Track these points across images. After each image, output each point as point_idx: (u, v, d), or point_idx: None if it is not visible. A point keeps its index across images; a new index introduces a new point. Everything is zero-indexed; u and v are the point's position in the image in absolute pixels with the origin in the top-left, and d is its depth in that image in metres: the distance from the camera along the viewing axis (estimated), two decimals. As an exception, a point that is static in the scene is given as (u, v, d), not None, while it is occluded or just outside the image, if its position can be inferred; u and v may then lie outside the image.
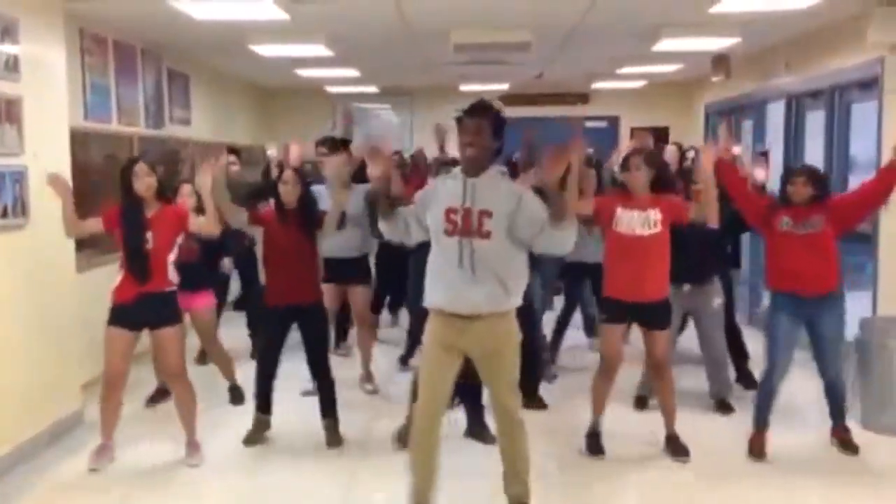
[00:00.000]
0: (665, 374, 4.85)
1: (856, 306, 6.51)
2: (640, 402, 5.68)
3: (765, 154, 7.55)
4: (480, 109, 3.73)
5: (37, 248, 5.00)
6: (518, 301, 3.79)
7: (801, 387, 5.39)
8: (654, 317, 4.73)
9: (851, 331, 5.37)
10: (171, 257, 4.67)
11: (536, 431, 5.25)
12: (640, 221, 4.63)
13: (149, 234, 4.57)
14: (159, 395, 5.86)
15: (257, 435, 5.12)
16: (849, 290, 6.80)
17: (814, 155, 7.33)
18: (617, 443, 4.96)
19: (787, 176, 4.80)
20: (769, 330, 4.85)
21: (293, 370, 5.58)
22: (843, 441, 4.92)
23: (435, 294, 3.77)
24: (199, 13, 5.75)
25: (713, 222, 4.76)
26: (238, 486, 4.59)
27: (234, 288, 7.44)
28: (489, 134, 3.69)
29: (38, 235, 4.99)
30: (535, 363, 5.73)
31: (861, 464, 4.80)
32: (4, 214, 4.71)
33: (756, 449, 4.84)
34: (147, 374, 5.86)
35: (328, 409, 5.15)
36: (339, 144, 6.21)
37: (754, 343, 5.97)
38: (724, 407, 5.64)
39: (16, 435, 4.79)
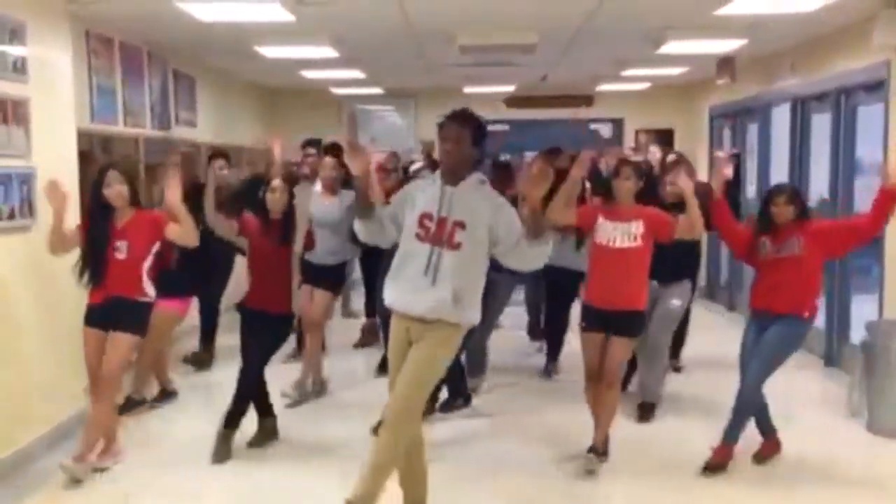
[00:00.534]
0: (614, 386, 4.75)
1: (862, 309, 6.51)
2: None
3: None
4: (462, 118, 3.74)
5: (43, 249, 4.97)
6: (472, 318, 3.74)
7: (803, 388, 5.38)
8: (622, 326, 4.66)
9: (857, 334, 5.36)
10: (146, 265, 4.58)
11: (535, 434, 5.30)
12: (621, 233, 4.63)
13: (122, 244, 4.51)
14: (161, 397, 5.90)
15: (225, 449, 4.97)
16: (855, 293, 6.83)
17: (819, 158, 7.32)
18: (614, 446, 4.93)
19: (769, 197, 4.73)
20: (741, 347, 4.81)
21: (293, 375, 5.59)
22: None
23: (393, 293, 3.78)
24: (206, 15, 5.76)
25: (698, 236, 4.88)
26: (237, 487, 4.60)
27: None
28: (469, 143, 3.70)
29: (45, 236, 4.98)
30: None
31: (867, 467, 4.79)
32: (11, 216, 4.72)
33: (766, 455, 4.83)
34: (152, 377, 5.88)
35: (233, 418, 4.96)
36: (330, 149, 6.18)
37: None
38: (646, 410, 5.57)
39: (19, 437, 4.79)
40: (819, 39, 7.21)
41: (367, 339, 7.64)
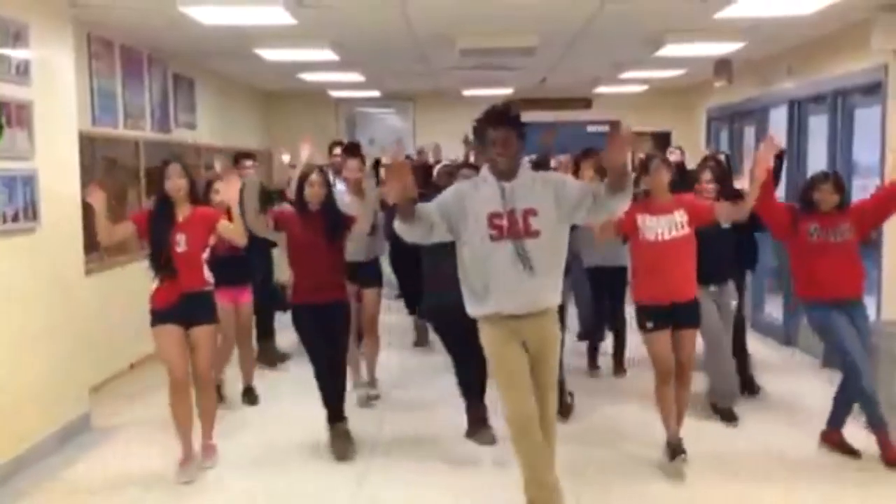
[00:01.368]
0: (687, 376, 4.80)
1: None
2: None
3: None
4: (504, 118, 3.76)
5: (46, 251, 5.02)
6: (558, 299, 3.88)
7: (809, 388, 5.41)
8: (687, 316, 4.72)
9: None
10: (205, 256, 4.71)
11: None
12: (667, 225, 4.66)
13: (181, 237, 4.59)
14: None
15: (344, 445, 4.97)
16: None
17: (817, 160, 7.36)
18: (631, 443, 4.95)
19: (813, 183, 4.85)
20: (830, 334, 4.84)
21: (301, 375, 5.60)
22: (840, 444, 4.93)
23: (491, 300, 3.75)
24: (207, 18, 5.78)
25: (744, 218, 4.91)
26: (250, 489, 4.60)
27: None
28: (515, 140, 3.74)
29: (48, 239, 5.02)
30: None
31: (866, 466, 4.81)
32: (15, 218, 4.73)
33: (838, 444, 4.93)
34: (156, 380, 5.87)
35: (336, 408, 5.04)
36: (353, 149, 6.20)
37: (756, 346, 5.97)
38: (728, 416, 5.51)
39: (24, 438, 4.81)
40: (816, 42, 7.25)
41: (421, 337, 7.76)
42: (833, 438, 4.94)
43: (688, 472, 4.68)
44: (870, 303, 6.34)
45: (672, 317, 4.68)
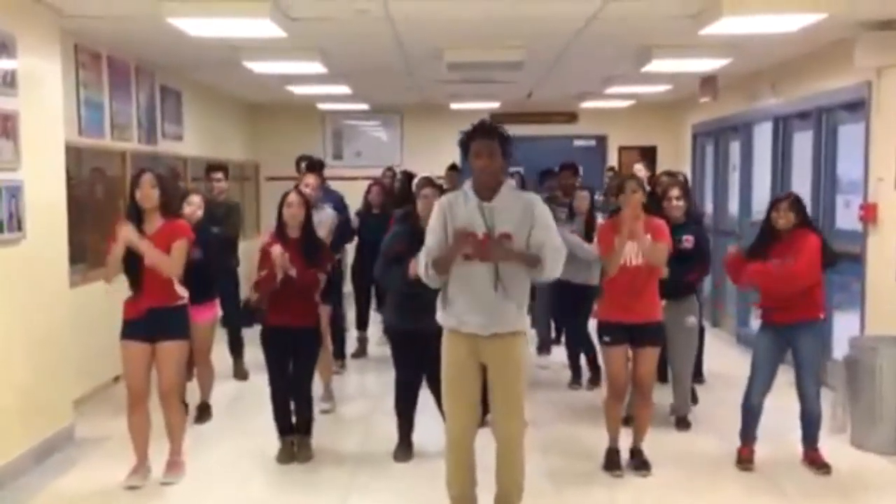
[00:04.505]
0: (644, 393, 4.91)
1: (844, 325, 6.59)
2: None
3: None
4: (490, 132, 3.79)
5: (31, 263, 4.99)
6: (525, 323, 3.95)
7: (786, 405, 5.41)
8: (646, 335, 4.80)
9: (840, 350, 5.42)
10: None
11: (529, 447, 5.31)
12: (634, 251, 4.72)
13: None
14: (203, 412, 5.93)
15: (289, 454, 5.09)
16: (837, 309, 6.91)
17: (801, 176, 7.42)
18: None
19: (772, 203, 4.95)
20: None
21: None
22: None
23: (458, 316, 3.84)
24: (195, 30, 5.77)
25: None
26: (230, 500, 4.59)
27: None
28: (499, 155, 3.76)
29: (33, 250, 4.99)
30: None
31: (851, 483, 4.82)
32: (0, 229, 4.70)
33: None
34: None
35: (303, 426, 5.14)
36: (314, 166, 6.20)
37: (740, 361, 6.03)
38: (683, 424, 5.74)
39: (7, 450, 4.76)
40: (800, 59, 7.33)
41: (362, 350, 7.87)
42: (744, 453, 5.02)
43: (673, 485, 4.72)
44: (853, 317, 6.41)
45: (629, 333, 4.78)
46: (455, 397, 3.91)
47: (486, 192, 3.78)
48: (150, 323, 4.55)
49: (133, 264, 4.51)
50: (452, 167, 8.76)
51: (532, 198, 3.91)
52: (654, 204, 5.38)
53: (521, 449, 3.94)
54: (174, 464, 4.81)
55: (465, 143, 3.83)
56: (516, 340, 3.87)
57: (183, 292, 4.68)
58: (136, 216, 4.56)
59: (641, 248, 4.68)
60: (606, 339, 4.87)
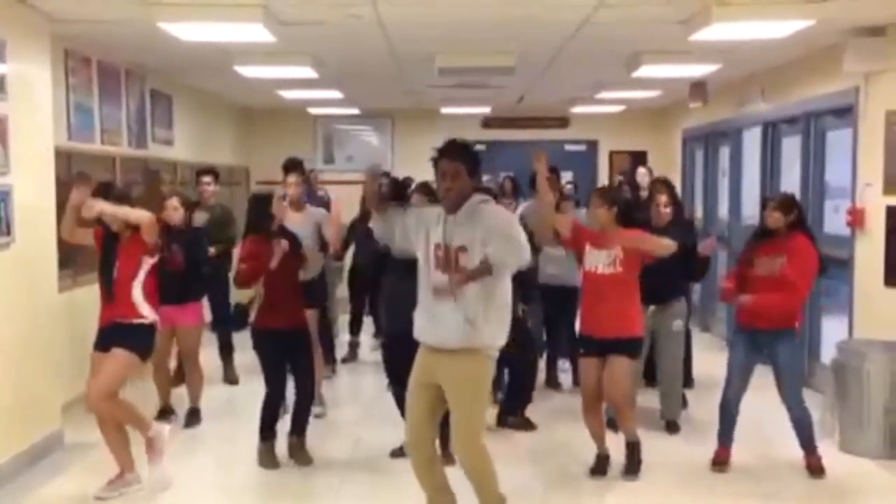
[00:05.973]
0: (619, 403, 4.86)
1: (832, 330, 6.61)
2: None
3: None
4: (457, 152, 3.81)
5: (20, 267, 4.97)
6: (497, 340, 3.84)
7: (774, 409, 5.43)
8: (617, 348, 4.73)
9: (828, 353, 5.44)
10: (136, 284, 4.59)
11: (521, 452, 5.33)
12: (604, 260, 4.72)
13: (119, 262, 4.56)
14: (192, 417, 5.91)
15: (271, 459, 5.06)
16: (825, 313, 6.94)
17: (789, 180, 7.45)
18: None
19: (763, 203, 4.99)
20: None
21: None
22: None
23: (419, 326, 3.91)
24: (186, 34, 5.76)
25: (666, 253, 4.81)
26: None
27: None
28: (464, 174, 3.78)
29: (22, 254, 4.97)
30: (525, 385, 5.81)
31: (840, 487, 4.84)
32: (-11, 234, 4.69)
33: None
34: (130, 398, 5.81)
35: (301, 427, 5.15)
36: (292, 165, 6.20)
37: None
38: (672, 427, 5.76)
39: (-5, 456, 4.74)
40: (791, 65, 7.37)
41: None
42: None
43: (663, 491, 4.73)
44: (841, 321, 6.43)
45: (600, 347, 4.77)
46: (409, 405, 3.99)
47: (452, 207, 3.83)
48: (109, 334, 4.59)
49: (107, 274, 4.56)
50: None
51: (487, 208, 3.81)
52: (640, 210, 5.38)
53: (485, 474, 3.86)
54: (115, 482, 4.63)
55: (435, 162, 3.86)
56: (472, 358, 3.78)
57: (148, 313, 4.62)
58: (109, 229, 4.63)
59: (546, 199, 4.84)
60: (581, 349, 4.95)
